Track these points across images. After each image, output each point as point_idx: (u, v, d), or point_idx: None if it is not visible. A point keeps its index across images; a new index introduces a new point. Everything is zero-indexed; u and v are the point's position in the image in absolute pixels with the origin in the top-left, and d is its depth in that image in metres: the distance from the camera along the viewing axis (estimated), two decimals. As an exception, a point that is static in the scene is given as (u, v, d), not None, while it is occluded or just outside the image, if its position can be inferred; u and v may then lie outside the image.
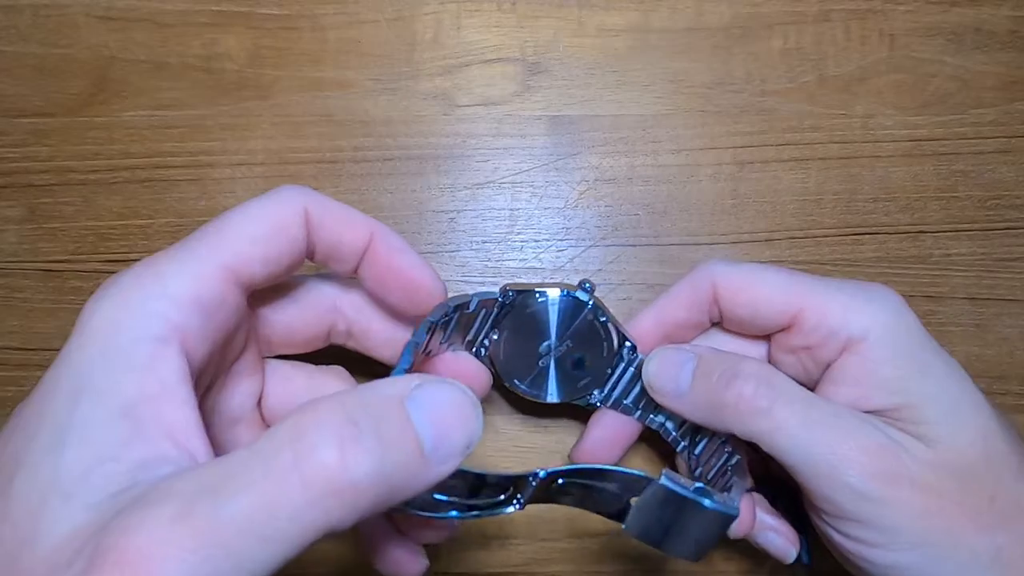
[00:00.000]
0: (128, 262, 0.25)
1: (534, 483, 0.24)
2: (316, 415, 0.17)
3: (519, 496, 0.24)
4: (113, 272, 0.21)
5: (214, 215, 0.23)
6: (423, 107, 0.35)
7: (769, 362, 0.29)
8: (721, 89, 0.35)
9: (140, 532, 0.15)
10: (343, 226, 0.24)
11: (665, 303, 0.29)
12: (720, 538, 0.25)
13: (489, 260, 0.35)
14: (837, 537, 0.25)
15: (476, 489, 0.23)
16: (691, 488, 0.24)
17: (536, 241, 0.35)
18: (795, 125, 0.35)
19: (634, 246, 0.35)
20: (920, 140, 0.35)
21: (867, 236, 0.35)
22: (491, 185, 0.35)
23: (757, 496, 0.29)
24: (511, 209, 0.35)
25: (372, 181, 0.35)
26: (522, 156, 0.35)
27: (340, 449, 0.16)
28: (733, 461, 0.28)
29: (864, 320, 0.26)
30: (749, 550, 0.33)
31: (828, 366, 0.27)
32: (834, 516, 0.25)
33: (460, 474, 0.20)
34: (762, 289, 0.27)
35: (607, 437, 0.31)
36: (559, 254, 0.35)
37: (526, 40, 0.36)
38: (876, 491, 0.24)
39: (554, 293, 0.28)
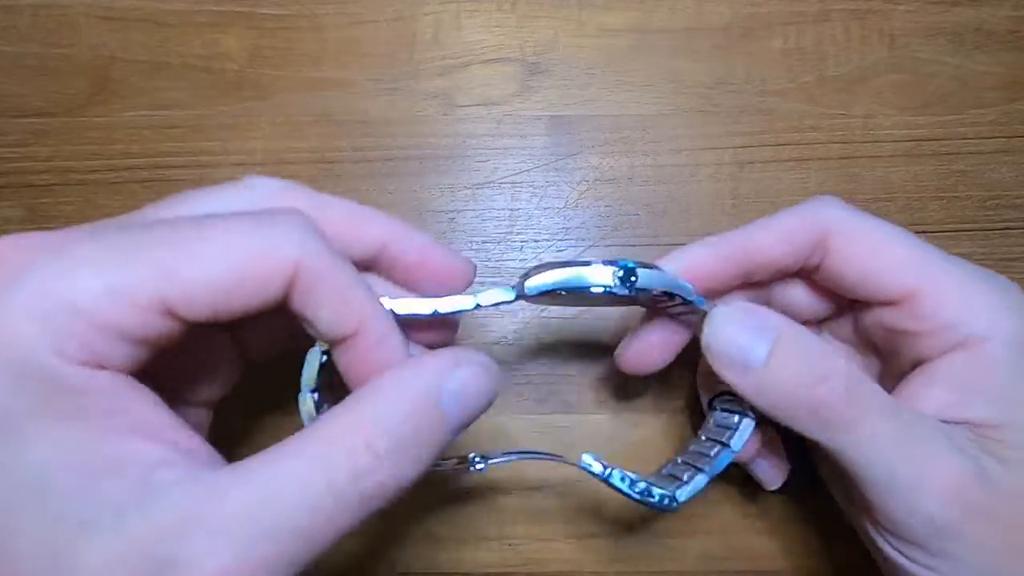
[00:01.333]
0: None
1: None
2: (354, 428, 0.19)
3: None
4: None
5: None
6: (423, 107, 0.35)
7: (854, 331, 0.27)
8: (721, 89, 0.35)
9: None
10: (336, 303, 0.20)
11: (760, 234, 0.25)
12: None
13: (489, 260, 0.35)
14: (898, 558, 0.23)
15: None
16: None
17: (536, 241, 0.35)
18: (795, 125, 0.35)
19: (634, 246, 0.35)
20: (920, 140, 0.35)
21: (867, 236, 0.35)
22: (491, 185, 0.35)
23: None
24: (511, 209, 0.35)
25: (372, 181, 0.35)
26: (522, 156, 0.35)
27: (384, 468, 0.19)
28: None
29: (990, 318, 0.23)
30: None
31: (925, 359, 0.24)
32: (901, 539, 0.23)
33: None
34: (883, 252, 0.24)
35: (656, 342, 0.27)
36: (559, 254, 0.35)
37: (526, 40, 0.36)
38: (955, 523, 0.22)
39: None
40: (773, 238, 0.25)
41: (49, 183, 0.35)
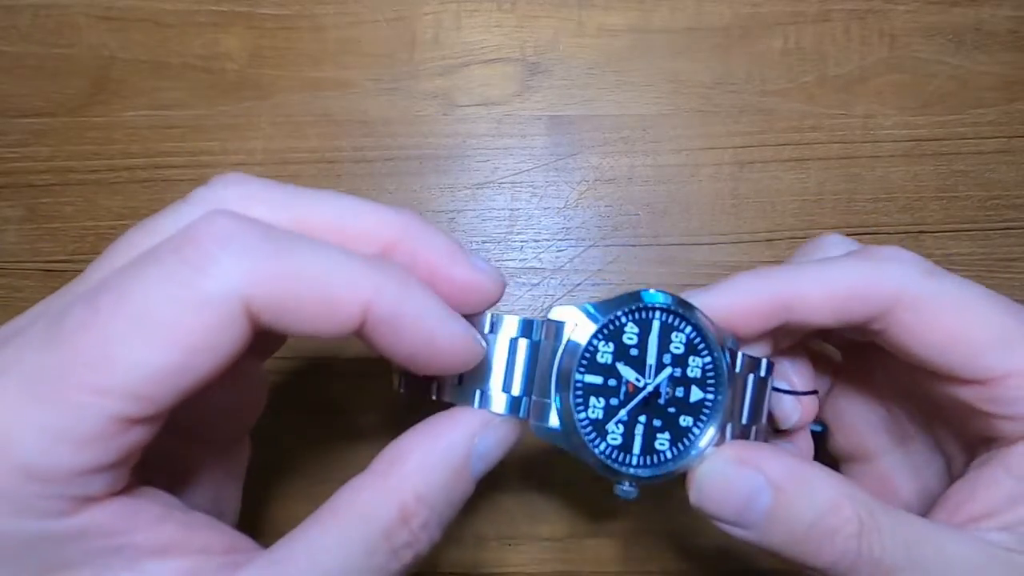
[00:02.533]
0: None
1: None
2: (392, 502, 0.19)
3: None
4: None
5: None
6: (423, 107, 0.35)
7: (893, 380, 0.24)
8: (721, 89, 0.35)
9: None
10: (320, 308, 0.16)
11: (808, 285, 0.21)
12: None
13: (489, 260, 0.35)
14: None
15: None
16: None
17: (536, 241, 0.35)
18: (795, 125, 0.35)
19: (634, 246, 0.35)
20: (920, 140, 0.35)
21: (867, 236, 0.35)
22: (491, 185, 0.35)
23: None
24: (511, 209, 0.35)
25: (372, 181, 0.35)
26: (522, 156, 0.35)
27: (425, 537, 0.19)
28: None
29: None
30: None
31: (998, 439, 0.21)
32: None
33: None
34: (968, 329, 0.20)
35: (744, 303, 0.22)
36: (559, 254, 0.35)
37: (526, 40, 0.36)
38: None
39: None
40: (821, 295, 0.21)
41: (49, 183, 0.35)
